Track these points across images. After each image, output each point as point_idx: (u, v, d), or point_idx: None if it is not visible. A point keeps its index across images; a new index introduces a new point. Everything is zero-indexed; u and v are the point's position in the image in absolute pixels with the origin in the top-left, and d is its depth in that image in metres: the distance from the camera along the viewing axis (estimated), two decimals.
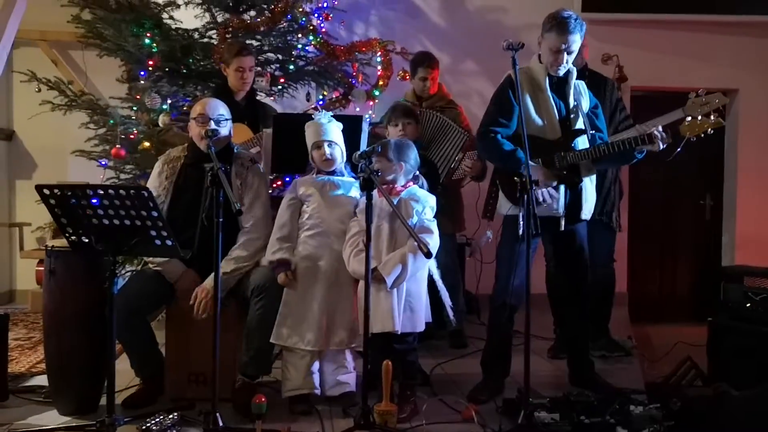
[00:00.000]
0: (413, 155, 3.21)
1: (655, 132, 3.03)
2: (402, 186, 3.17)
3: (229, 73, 4.09)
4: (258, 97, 4.76)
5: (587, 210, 3.31)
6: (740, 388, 3.26)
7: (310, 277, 3.15)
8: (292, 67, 4.79)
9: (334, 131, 3.26)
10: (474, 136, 3.94)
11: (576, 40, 3.16)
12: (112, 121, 4.51)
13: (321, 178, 3.25)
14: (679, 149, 3.09)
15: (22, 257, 5.90)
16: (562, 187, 3.24)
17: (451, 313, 3.36)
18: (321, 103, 4.58)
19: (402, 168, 3.16)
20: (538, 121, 3.22)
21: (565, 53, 3.17)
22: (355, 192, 3.27)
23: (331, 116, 3.32)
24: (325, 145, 3.21)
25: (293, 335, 3.12)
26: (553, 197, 3.17)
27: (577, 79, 3.35)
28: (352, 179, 3.30)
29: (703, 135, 3.05)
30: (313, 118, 3.33)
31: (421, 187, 3.24)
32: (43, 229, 5.90)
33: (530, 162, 2.91)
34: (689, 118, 3.05)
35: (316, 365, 3.18)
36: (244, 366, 3.16)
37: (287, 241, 3.18)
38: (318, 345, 3.12)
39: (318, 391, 3.19)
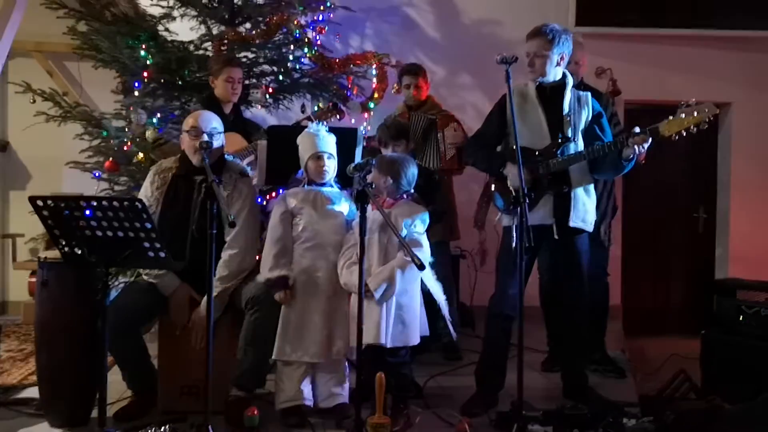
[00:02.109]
0: (410, 171, 3.22)
1: (629, 138, 3.05)
2: (393, 200, 3.18)
3: (218, 84, 4.09)
4: (251, 109, 4.80)
5: (577, 218, 3.29)
6: (733, 402, 3.26)
7: (309, 290, 3.15)
8: (287, 79, 4.80)
9: (332, 143, 3.28)
10: (443, 114, 4.39)
11: (541, 45, 3.22)
12: (105, 133, 4.51)
13: (312, 189, 3.25)
14: (647, 147, 3.08)
15: (14, 268, 5.87)
16: (549, 195, 3.26)
17: (451, 328, 3.37)
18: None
19: (396, 182, 3.17)
20: (526, 131, 3.24)
21: (535, 59, 3.24)
22: (345, 203, 3.28)
23: (327, 129, 3.33)
24: (325, 156, 3.22)
25: (297, 350, 3.12)
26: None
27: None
28: (339, 190, 3.32)
29: (685, 133, 3.01)
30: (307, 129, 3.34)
31: (416, 201, 3.25)
32: (36, 240, 5.86)
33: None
34: (670, 117, 3.02)
35: (309, 376, 3.18)
36: (237, 379, 3.14)
37: (284, 257, 3.16)
38: (321, 357, 3.12)
39: (311, 403, 3.18)
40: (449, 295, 3.93)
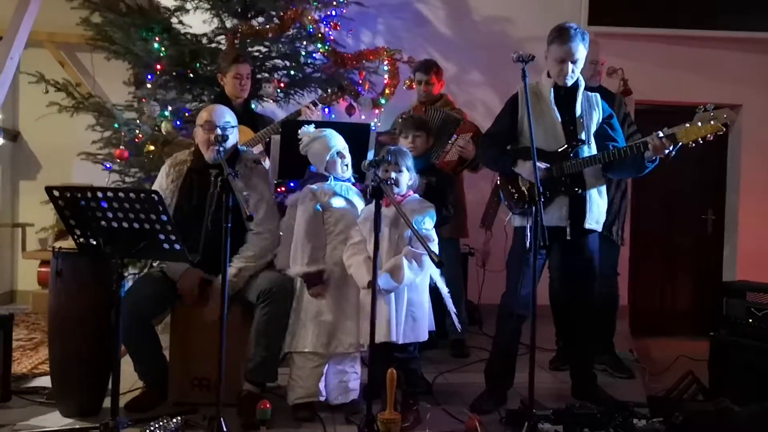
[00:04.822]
0: (411, 163, 3.25)
1: (649, 140, 3.04)
2: (402, 195, 3.19)
3: (227, 81, 4.10)
4: (263, 103, 4.80)
5: (592, 220, 3.30)
6: (742, 404, 3.26)
7: (344, 282, 3.17)
8: (299, 74, 4.81)
9: (342, 138, 3.31)
10: (470, 122, 4.36)
11: (578, 49, 3.20)
12: (116, 125, 4.52)
13: (340, 184, 3.27)
14: (671, 152, 3.05)
15: (24, 258, 5.90)
16: (564, 197, 3.26)
17: (456, 320, 3.37)
18: (327, 111, 4.59)
19: (409, 176, 3.19)
20: (540, 132, 3.24)
21: (570, 62, 3.20)
22: (360, 199, 3.32)
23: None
24: (345, 150, 3.27)
25: (333, 341, 3.14)
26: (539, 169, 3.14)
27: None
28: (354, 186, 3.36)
29: (702, 141, 2.99)
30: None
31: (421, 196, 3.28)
32: (46, 230, 5.90)
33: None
34: (687, 125, 3.01)
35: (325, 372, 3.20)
36: (250, 373, 3.14)
37: (319, 251, 3.17)
38: (356, 347, 3.16)
39: (324, 398, 3.20)
40: (458, 293, 3.97)
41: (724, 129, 2.97)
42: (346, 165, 3.26)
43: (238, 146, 3.47)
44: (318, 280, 3.13)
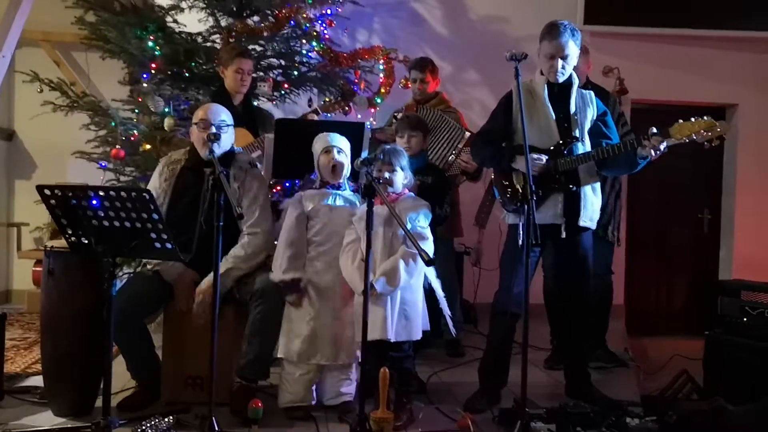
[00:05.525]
0: (406, 162, 3.24)
1: (644, 136, 3.04)
2: (397, 194, 3.18)
3: (227, 75, 4.09)
4: (258, 102, 4.79)
5: (586, 217, 3.30)
6: (736, 403, 3.26)
7: (322, 292, 3.16)
8: (294, 72, 4.80)
9: (343, 141, 3.30)
10: (471, 132, 4.17)
11: (568, 45, 3.20)
12: (113, 123, 4.51)
13: (327, 191, 3.24)
14: (664, 150, 3.06)
15: (19, 257, 5.89)
16: (559, 194, 3.25)
17: (451, 324, 3.36)
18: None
19: (403, 175, 3.18)
20: (534, 129, 3.23)
21: (559, 59, 3.20)
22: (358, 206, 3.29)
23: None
24: (335, 150, 3.23)
25: (317, 353, 3.12)
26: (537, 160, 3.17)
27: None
28: (352, 192, 3.32)
29: (695, 137, 2.98)
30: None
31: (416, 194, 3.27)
32: (41, 229, 5.90)
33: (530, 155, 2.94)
34: (680, 121, 3.01)
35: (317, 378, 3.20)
36: (242, 370, 3.15)
37: (298, 259, 3.16)
38: (335, 358, 3.14)
39: (315, 402, 3.19)
40: (453, 292, 3.96)
41: (718, 129, 2.96)
42: (336, 165, 3.21)
43: (234, 147, 3.46)
44: (295, 288, 3.13)
